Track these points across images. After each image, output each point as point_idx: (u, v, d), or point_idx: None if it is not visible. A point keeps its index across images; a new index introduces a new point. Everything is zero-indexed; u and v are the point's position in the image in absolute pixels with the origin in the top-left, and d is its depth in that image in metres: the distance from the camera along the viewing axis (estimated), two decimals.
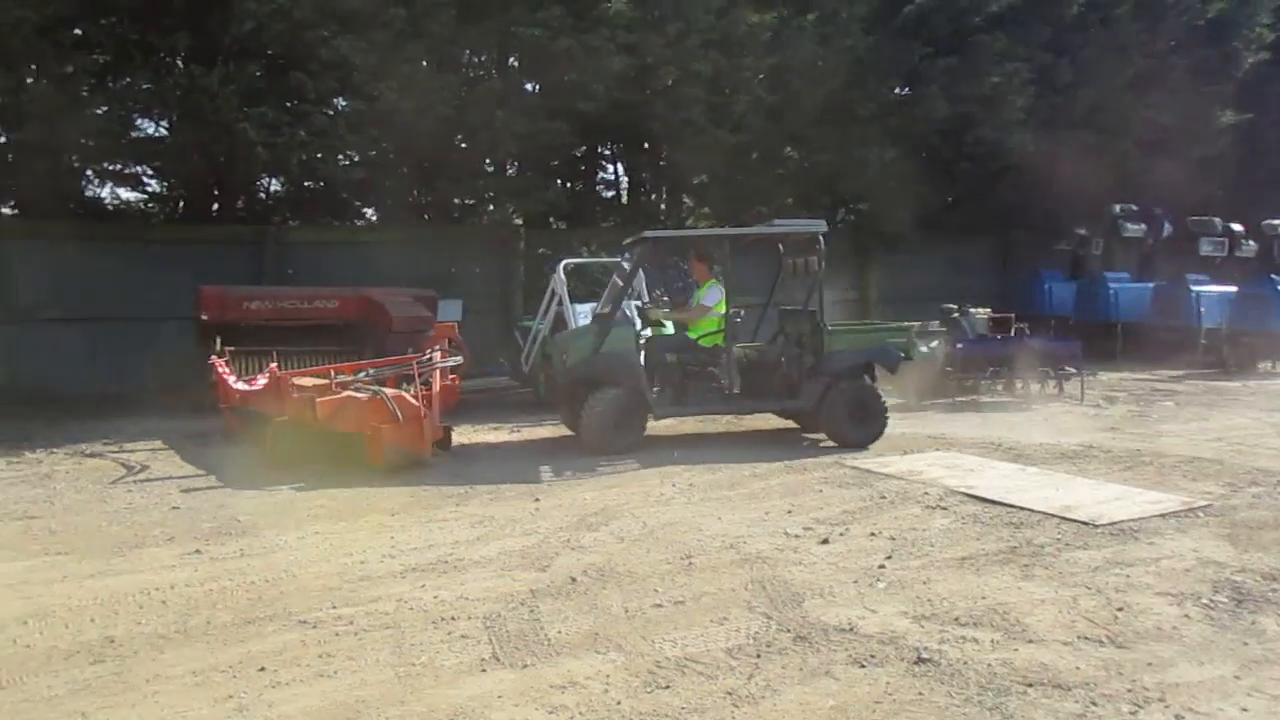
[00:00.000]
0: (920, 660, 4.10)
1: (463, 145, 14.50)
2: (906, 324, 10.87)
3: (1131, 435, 9.83)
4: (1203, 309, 16.37)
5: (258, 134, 11.92)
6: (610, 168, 18.17)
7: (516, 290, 15.17)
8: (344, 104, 13.50)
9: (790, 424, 10.44)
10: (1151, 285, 17.81)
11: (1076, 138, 17.33)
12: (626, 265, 10.12)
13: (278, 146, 12.21)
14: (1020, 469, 8.10)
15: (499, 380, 12.81)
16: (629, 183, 17.85)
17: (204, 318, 11.06)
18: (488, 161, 15.53)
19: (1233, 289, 16.70)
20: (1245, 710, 3.67)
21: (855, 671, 4.03)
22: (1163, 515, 6.41)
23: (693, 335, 9.67)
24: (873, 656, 4.17)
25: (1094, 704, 3.71)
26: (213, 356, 10.17)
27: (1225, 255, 18.25)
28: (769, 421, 10.56)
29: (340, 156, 14.27)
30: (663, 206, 17.72)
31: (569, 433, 9.86)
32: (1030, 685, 3.87)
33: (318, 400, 8.11)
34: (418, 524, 6.50)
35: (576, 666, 4.11)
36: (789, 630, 4.47)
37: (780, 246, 10.55)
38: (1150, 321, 17.31)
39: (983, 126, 16.87)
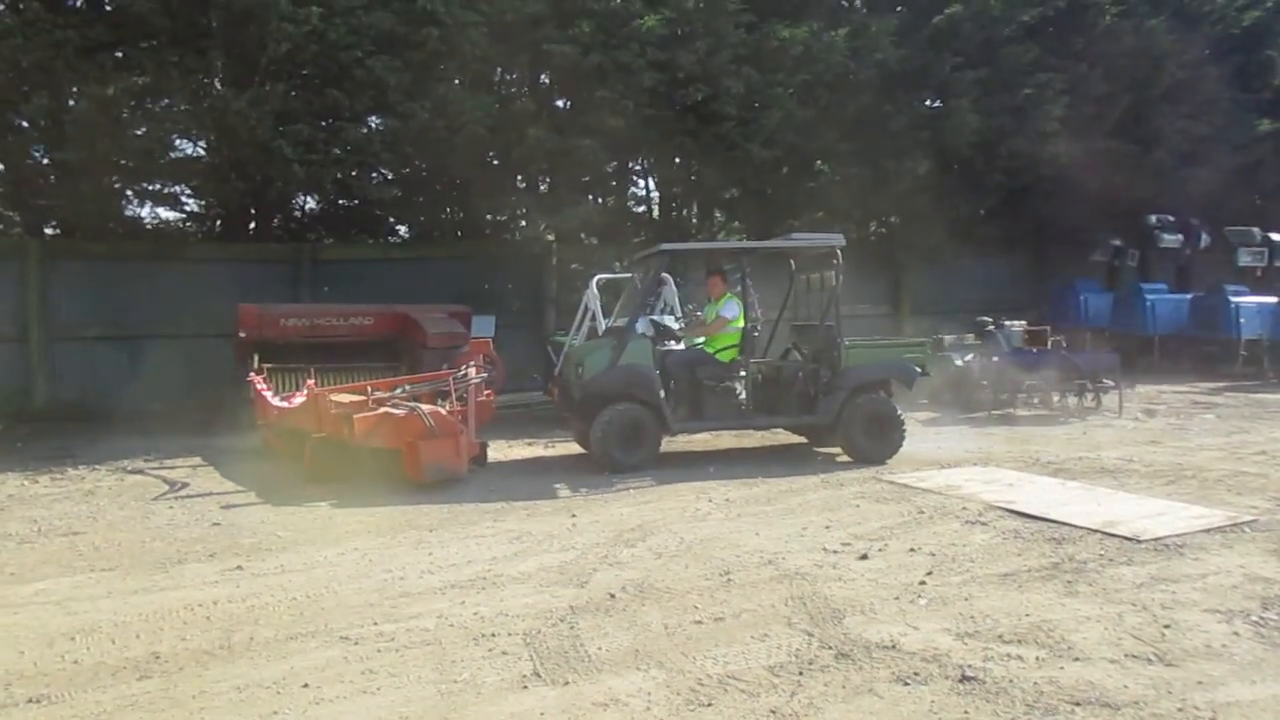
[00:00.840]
0: (965, 678, 4.06)
1: (495, 163, 14.59)
2: (923, 339, 10.81)
3: (1172, 449, 9.70)
4: (1242, 320, 16.16)
5: (293, 151, 12.07)
6: (641, 183, 18.23)
7: (549, 306, 15.24)
8: (378, 123, 13.64)
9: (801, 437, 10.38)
10: (1189, 296, 17.62)
11: (1111, 148, 17.16)
12: (639, 280, 10.12)
13: (313, 164, 12.35)
14: (1060, 483, 8.02)
15: (533, 395, 12.85)
16: (660, 198, 17.87)
17: (241, 335, 11.17)
18: (520, 178, 15.63)
19: (1273, 300, 16.46)
20: None
21: (899, 690, 4.00)
22: (1208, 530, 6.32)
23: (710, 350, 9.61)
24: (916, 674, 4.13)
25: None
26: (251, 374, 10.28)
27: (1265, 265, 17.99)
28: (779, 436, 10.50)
29: (374, 175, 14.44)
30: (694, 221, 17.73)
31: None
32: (1078, 704, 3.82)
33: (355, 416, 8.18)
34: (456, 540, 6.53)
35: (618, 684, 4.11)
36: (830, 647, 4.44)
37: (791, 262, 10.52)
38: (1188, 333, 17.12)
39: (1015, 138, 16.74)
